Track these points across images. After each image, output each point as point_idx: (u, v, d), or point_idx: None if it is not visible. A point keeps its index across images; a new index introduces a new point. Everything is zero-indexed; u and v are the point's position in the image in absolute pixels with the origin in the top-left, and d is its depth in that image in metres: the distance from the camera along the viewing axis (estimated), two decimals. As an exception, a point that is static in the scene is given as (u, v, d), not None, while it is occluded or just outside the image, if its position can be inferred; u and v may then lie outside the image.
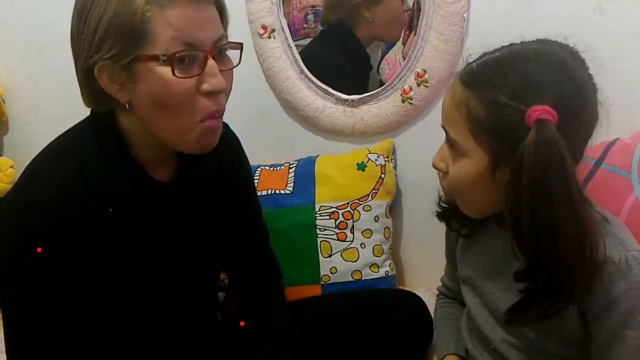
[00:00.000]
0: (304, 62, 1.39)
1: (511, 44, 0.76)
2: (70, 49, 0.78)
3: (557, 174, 0.67)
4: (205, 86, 0.75)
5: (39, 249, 0.75)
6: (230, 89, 0.81)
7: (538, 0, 1.17)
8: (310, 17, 1.39)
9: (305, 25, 1.40)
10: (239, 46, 0.82)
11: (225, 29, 0.81)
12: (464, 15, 1.22)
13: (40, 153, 0.84)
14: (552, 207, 0.68)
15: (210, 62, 0.74)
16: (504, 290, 0.83)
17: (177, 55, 0.72)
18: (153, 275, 0.87)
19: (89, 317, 0.81)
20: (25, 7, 1.61)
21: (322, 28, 1.39)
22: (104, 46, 0.72)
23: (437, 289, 1.10)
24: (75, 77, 0.77)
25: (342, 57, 1.42)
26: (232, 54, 0.83)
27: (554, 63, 0.72)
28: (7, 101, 1.71)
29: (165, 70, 0.72)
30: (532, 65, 0.71)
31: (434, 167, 0.82)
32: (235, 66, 0.81)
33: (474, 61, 0.76)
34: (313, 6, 1.38)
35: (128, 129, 0.81)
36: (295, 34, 1.39)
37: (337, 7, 1.36)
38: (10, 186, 1.60)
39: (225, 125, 1.04)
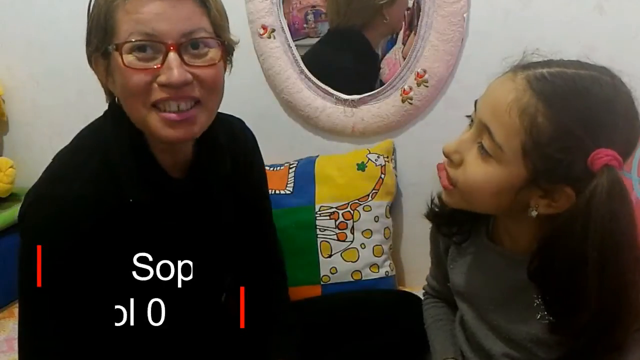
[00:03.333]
0: (310, 63, 1.39)
1: (579, 62, 0.70)
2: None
3: (627, 219, 0.65)
4: (161, 78, 0.74)
5: (65, 242, 0.76)
6: (215, 84, 0.79)
7: (538, 0, 1.17)
8: (310, 17, 1.39)
9: (305, 25, 1.40)
10: (221, 43, 0.79)
11: (217, 24, 0.79)
12: (464, 15, 1.22)
13: (67, 148, 0.85)
14: (621, 254, 0.64)
15: (171, 55, 0.73)
16: (504, 307, 0.82)
17: (126, 44, 0.73)
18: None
19: (100, 314, 0.81)
20: (25, 7, 1.61)
21: (327, 29, 1.38)
22: (90, 39, 0.77)
23: (423, 288, 1.08)
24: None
25: (351, 58, 1.42)
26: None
27: (629, 108, 0.68)
28: (7, 101, 1.71)
29: (121, 61, 0.73)
30: (614, 105, 0.67)
31: (447, 155, 0.75)
32: (214, 63, 0.78)
33: (542, 67, 0.69)
34: (313, 6, 1.38)
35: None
36: (295, 34, 1.39)
37: (357, 13, 1.34)
38: (10, 186, 1.60)
39: (241, 122, 1.04)
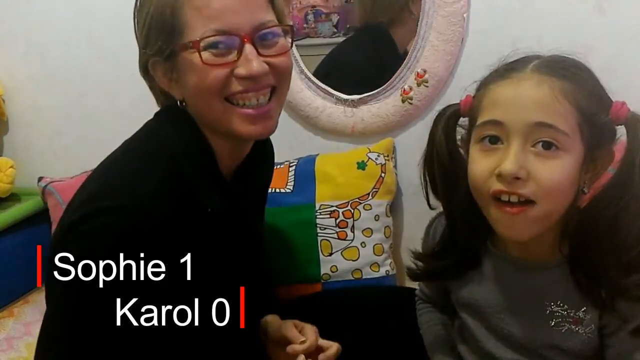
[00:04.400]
0: (330, 66, 1.39)
1: (546, 56, 0.76)
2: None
3: None
4: (240, 70, 0.74)
5: (129, 249, 0.70)
6: (288, 71, 0.80)
7: (538, 0, 1.17)
8: (310, 17, 1.40)
9: (305, 25, 1.40)
10: (289, 29, 0.81)
11: (281, 15, 0.80)
12: (464, 15, 1.22)
13: (122, 155, 0.81)
14: None
15: (247, 47, 0.74)
16: (516, 315, 0.81)
17: (202, 41, 0.72)
18: (210, 278, 0.81)
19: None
20: (25, 6, 1.61)
21: (355, 27, 1.38)
22: (149, 42, 0.76)
23: (416, 294, 1.07)
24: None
25: (372, 56, 1.41)
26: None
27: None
28: (7, 101, 1.71)
29: (198, 58, 0.73)
30: (592, 73, 0.75)
31: (514, 175, 0.70)
32: (286, 51, 0.80)
33: (534, 60, 0.74)
34: (313, 6, 1.38)
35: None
36: (295, 34, 1.39)
37: (383, 10, 1.34)
38: (10, 186, 1.60)
39: None
